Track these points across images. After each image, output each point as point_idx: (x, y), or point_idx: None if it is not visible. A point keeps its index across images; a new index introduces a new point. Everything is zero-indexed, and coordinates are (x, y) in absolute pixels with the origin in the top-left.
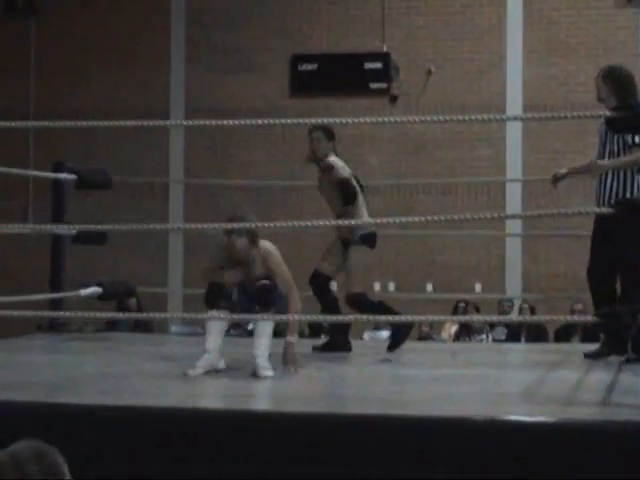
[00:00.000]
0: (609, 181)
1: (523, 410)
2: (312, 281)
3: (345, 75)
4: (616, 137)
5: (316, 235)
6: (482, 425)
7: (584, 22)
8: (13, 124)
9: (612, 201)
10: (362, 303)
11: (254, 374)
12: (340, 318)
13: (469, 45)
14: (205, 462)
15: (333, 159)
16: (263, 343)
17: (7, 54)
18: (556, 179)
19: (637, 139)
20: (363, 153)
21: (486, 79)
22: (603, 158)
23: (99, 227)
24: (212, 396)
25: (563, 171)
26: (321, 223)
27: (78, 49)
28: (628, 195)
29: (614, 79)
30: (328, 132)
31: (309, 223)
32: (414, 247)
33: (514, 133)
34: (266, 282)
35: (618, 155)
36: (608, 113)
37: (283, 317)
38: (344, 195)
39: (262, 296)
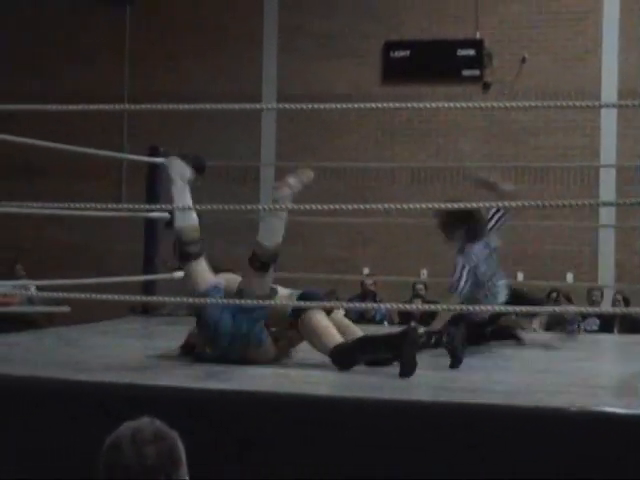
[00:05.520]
0: None
1: (618, 402)
2: None
3: (438, 62)
4: None
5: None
6: (576, 417)
7: None
8: (108, 107)
9: None
10: None
11: None
12: None
13: (564, 32)
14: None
15: None
16: None
17: (103, 41)
18: None
19: None
20: (456, 140)
21: (581, 66)
22: None
23: (194, 207)
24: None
25: None
26: (416, 206)
27: (171, 35)
28: None
29: None
30: None
31: (404, 206)
32: (505, 235)
33: (609, 120)
34: None
35: None
36: None
37: None
38: None
39: None
